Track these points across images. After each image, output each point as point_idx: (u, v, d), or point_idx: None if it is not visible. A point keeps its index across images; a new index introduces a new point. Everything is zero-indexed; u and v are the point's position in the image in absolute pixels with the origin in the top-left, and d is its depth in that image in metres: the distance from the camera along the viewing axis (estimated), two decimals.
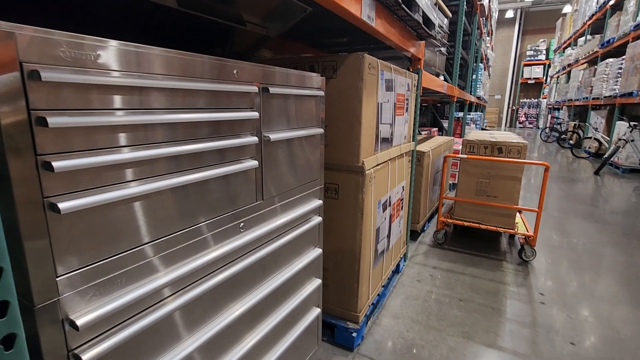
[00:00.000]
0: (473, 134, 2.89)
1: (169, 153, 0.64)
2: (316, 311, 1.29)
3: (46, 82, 0.47)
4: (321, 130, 1.16)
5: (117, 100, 0.56)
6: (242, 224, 0.88)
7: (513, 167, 2.42)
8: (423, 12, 1.67)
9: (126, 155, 0.57)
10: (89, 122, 0.52)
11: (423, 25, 1.73)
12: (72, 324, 0.53)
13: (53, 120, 0.47)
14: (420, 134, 4.37)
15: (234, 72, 0.79)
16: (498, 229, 2.49)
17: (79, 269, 0.54)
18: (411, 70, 2.15)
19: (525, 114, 17.26)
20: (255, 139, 0.85)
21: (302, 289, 1.20)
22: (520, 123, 17.47)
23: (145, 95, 0.60)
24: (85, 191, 0.54)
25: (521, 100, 17.37)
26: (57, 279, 0.52)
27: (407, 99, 1.93)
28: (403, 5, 1.39)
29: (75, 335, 0.55)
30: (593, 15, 9.08)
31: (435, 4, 2.89)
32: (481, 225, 2.54)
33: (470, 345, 1.62)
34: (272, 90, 0.89)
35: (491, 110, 17.87)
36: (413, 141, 2.19)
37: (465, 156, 2.45)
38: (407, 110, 1.96)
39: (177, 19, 1.00)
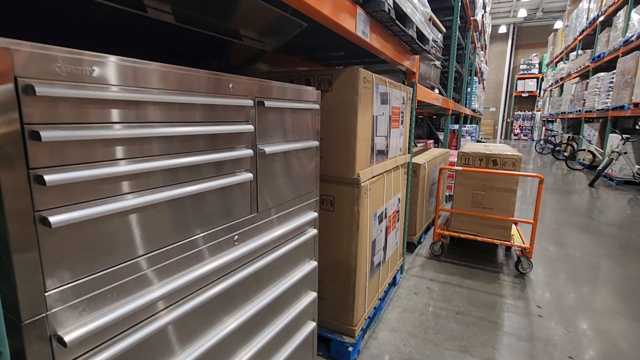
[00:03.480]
0: (468, 146, 2.92)
1: (163, 166, 0.64)
2: (311, 325, 1.28)
3: (41, 97, 0.47)
4: (317, 143, 1.17)
5: (113, 114, 0.57)
6: (236, 236, 0.87)
7: (508, 179, 2.44)
8: (417, 27, 1.70)
9: (120, 168, 0.57)
10: (83, 136, 0.52)
11: (417, 41, 1.76)
12: (60, 340, 0.52)
13: (46, 134, 0.47)
14: (417, 145, 4.40)
15: (230, 86, 0.80)
16: (494, 241, 2.49)
17: (68, 283, 0.54)
18: (406, 83, 2.18)
19: (520, 126, 17.48)
20: (250, 151, 0.86)
21: (297, 302, 1.19)
22: (515, 135, 17.66)
23: (140, 109, 0.61)
24: (77, 204, 0.53)
25: (516, 113, 17.60)
26: (46, 294, 0.51)
27: (402, 112, 1.95)
28: (397, 22, 1.42)
29: (64, 351, 0.54)
30: (583, 31, 9.30)
31: (430, 20, 2.96)
32: (477, 237, 2.54)
33: (468, 359, 1.60)
34: (267, 103, 0.90)
35: (486, 122, 18.09)
36: (409, 153, 2.20)
37: (460, 168, 2.46)
38: (402, 123, 1.98)
39: (174, 33, 1.02)
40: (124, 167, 0.58)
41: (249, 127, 0.84)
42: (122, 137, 0.58)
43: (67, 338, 0.53)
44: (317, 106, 1.14)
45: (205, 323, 0.80)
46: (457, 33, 4.32)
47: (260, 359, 1.01)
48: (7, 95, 0.45)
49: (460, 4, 4.72)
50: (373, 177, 1.58)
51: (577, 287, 2.31)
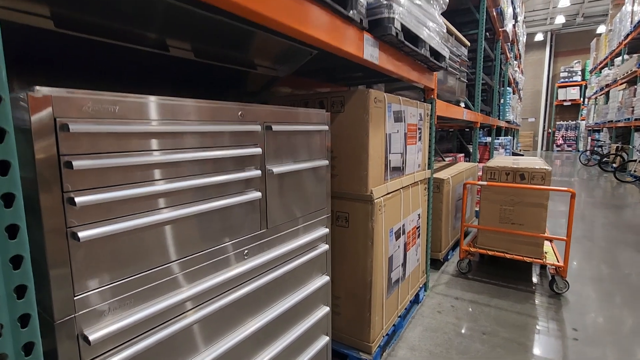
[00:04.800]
0: (495, 160, 2.85)
1: (168, 189, 0.73)
2: (325, 339, 1.31)
3: (74, 133, 0.58)
4: (326, 162, 1.23)
5: (134, 144, 0.66)
6: (246, 251, 0.94)
7: (538, 193, 2.34)
8: (430, 46, 1.74)
9: (138, 190, 0.66)
10: (107, 164, 0.62)
11: (431, 59, 1.79)
12: (86, 339, 0.61)
13: (77, 163, 0.57)
14: (444, 160, 4.32)
15: (239, 113, 0.88)
16: (524, 258, 2.38)
17: (95, 289, 0.63)
18: (425, 99, 2.20)
19: (563, 136, 16.52)
20: (258, 172, 0.93)
21: (310, 315, 1.23)
22: (557, 146, 16.70)
23: (157, 138, 0.70)
24: (102, 222, 0.63)
25: (557, 123, 16.69)
26: (75, 298, 0.60)
27: (419, 128, 1.97)
28: (407, 43, 1.47)
29: (88, 349, 0.62)
30: (628, 34, 8.76)
31: (447, 36, 2.97)
32: (506, 255, 2.44)
33: None
34: (275, 127, 0.98)
35: (525, 133, 17.28)
36: (429, 169, 2.20)
37: (485, 183, 2.41)
38: (420, 139, 2.00)
39: (196, 66, 1.14)
40: (141, 189, 0.67)
41: (257, 150, 0.92)
42: (142, 163, 0.67)
43: (92, 337, 0.61)
44: (326, 127, 1.21)
45: (218, 331, 0.87)
46: (484, 45, 4.27)
47: None
48: (48, 133, 0.55)
49: (485, 16, 4.68)
50: (388, 193, 1.60)
51: (622, 310, 2.14)
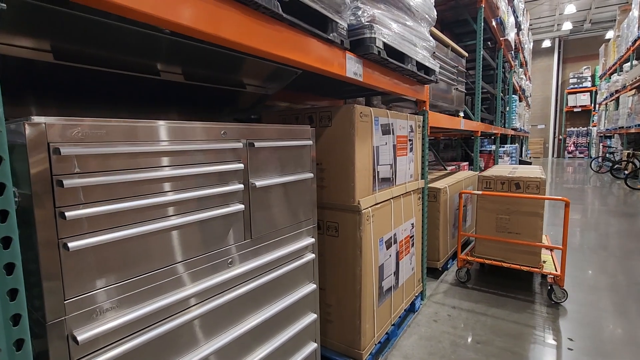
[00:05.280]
0: (493, 169, 2.87)
1: (154, 203, 0.80)
2: (313, 345, 1.35)
3: (64, 156, 0.66)
4: (311, 175, 1.30)
5: (120, 163, 0.74)
6: (229, 260, 1.01)
7: (533, 202, 2.36)
8: (417, 61, 1.80)
9: (124, 204, 0.74)
10: (94, 182, 0.69)
11: (420, 73, 1.86)
12: (74, 339, 0.68)
13: (67, 182, 0.65)
14: (446, 169, 4.34)
15: (222, 132, 0.96)
16: (521, 267, 2.38)
17: (83, 294, 0.70)
18: (417, 112, 2.26)
19: (574, 142, 16.28)
20: (240, 186, 1.00)
21: (297, 322, 1.28)
22: (569, 153, 16.44)
23: (141, 157, 0.78)
24: (90, 233, 0.70)
25: (568, 129, 16.47)
26: (65, 302, 0.67)
27: (410, 140, 2.02)
28: (391, 60, 1.54)
29: (77, 348, 0.69)
30: (636, 40, 8.68)
31: (448, 46, 3.03)
32: (503, 264, 2.44)
33: None
34: (257, 144, 1.05)
35: (535, 140, 17.09)
36: (422, 179, 2.24)
37: (480, 192, 2.43)
38: (411, 150, 2.05)
39: (188, 88, 1.23)
40: (125, 204, 0.74)
41: (239, 166, 0.99)
42: (129, 180, 0.75)
43: (80, 337, 0.68)
44: (310, 142, 1.28)
45: (203, 336, 0.93)
46: (482, 55, 4.32)
47: None
48: (42, 156, 0.63)
49: (485, 26, 4.73)
50: (377, 204, 1.66)
51: (621, 320, 2.12)
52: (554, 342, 1.90)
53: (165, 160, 0.83)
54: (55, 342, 0.66)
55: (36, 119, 0.62)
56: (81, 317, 0.70)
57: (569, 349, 1.85)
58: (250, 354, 1.09)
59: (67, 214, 0.65)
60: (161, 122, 0.82)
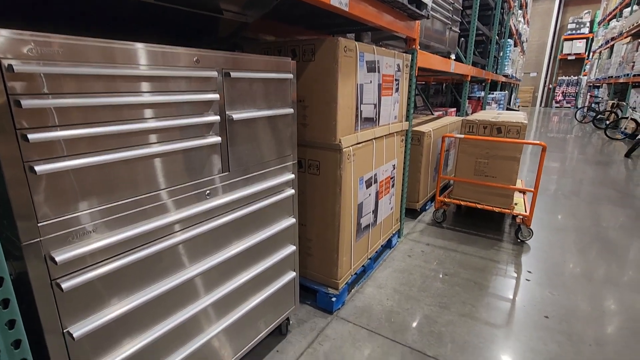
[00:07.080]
0: (478, 113, 2.87)
1: (110, 131, 0.78)
2: (292, 274, 1.44)
3: (19, 73, 0.61)
4: (291, 110, 1.27)
5: (86, 85, 0.70)
6: (208, 191, 1.02)
7: (512, 147, 2.41)
8: None
9: (90, 130, 0.72)
10: (56, 104, 0.66)
11: (410, 6, 1.75)
12: (52, 259, 0.70)
13: (26, 102, 0.62)
14: (432, 113, 4.32)
15: (194, 59, 0.91)
16: (494, 208, 2.51)
17: (59, 217, 0.70)
18: (406, 50, 2.17)
19: (563, 92, 16.23)
20: (217, 117, 0.98)
21: (277, 253, 1.35)
22: (556, 102, 16.46)
23: (105, 81, 0.74)
24: (60, 157, 0.69)
25: (559, 78, 16.30)
26: (39, 225, 0.68)
27: (396, 80, 1.97)
28: None
29: (56, 268, 0.72)
30: None
31: None
32: (478, 205, 2.57)
33: (444, 314, 1.72)
34: (233, 74, 1.00)
35: (525, 88, 16.93)
36: (407, 121, 2.23)
37: (462, 136, 2.46)
38: (397, 91, 2.01)
39: (159, 13, 1.13)
40: (91, 130, 0.72)
41: (214, 96, 0.96)
42: (92, 105, 0.72)
43: (58, 258, 0.70)
44: (290, 76, 1.23)
45: (189, 260, 0.97)
46: None
47: (246, 293, 1.19)
48: None
49: None
50: (358, 143, 1.66)
51: (579, 258, 2.31)
52: (514, 275, 2.08)
53: (133, 86, 0.79)
54: (33, 262, 0.68)
55: None
56: (58, 239, 0.71)
57: (526, 279, 2.03)
58: (234, 278, 1.16)
59: (29, 136, 0.63)
60: (128, 44, 0.76)
